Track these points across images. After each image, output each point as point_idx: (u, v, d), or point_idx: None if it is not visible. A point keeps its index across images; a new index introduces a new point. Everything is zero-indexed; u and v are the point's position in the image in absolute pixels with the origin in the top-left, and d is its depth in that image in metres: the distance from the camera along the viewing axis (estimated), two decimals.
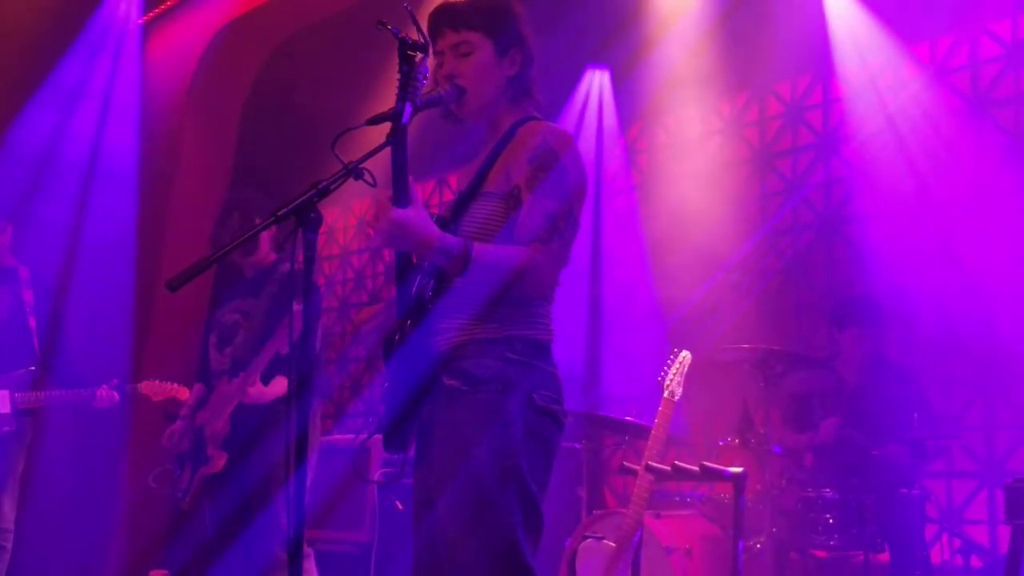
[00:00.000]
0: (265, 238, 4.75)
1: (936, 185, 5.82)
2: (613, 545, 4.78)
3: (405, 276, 2.76)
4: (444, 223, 2.76)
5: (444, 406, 2.70)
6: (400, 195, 2.59)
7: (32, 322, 5.29)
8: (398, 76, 2.57)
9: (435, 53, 2.86)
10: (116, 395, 5.14)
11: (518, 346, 2.69)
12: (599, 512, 5.32)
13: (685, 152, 7.09)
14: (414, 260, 2.81)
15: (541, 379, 2.72)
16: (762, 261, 6.54)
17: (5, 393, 5.16)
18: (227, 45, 7.79)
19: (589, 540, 4.91)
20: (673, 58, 6.75)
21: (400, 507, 5.90)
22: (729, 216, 6.58)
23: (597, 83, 7.36)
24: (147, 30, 8.10)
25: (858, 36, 6.11)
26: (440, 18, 2.87)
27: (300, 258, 2.50)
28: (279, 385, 4.60)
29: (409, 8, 2.56)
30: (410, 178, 2.60)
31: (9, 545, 5.23)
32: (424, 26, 2.73)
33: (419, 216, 2.58)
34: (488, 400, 2.64)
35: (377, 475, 5.09)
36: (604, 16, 6.88)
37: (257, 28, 7.76)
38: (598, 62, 7.30)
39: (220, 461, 4.64)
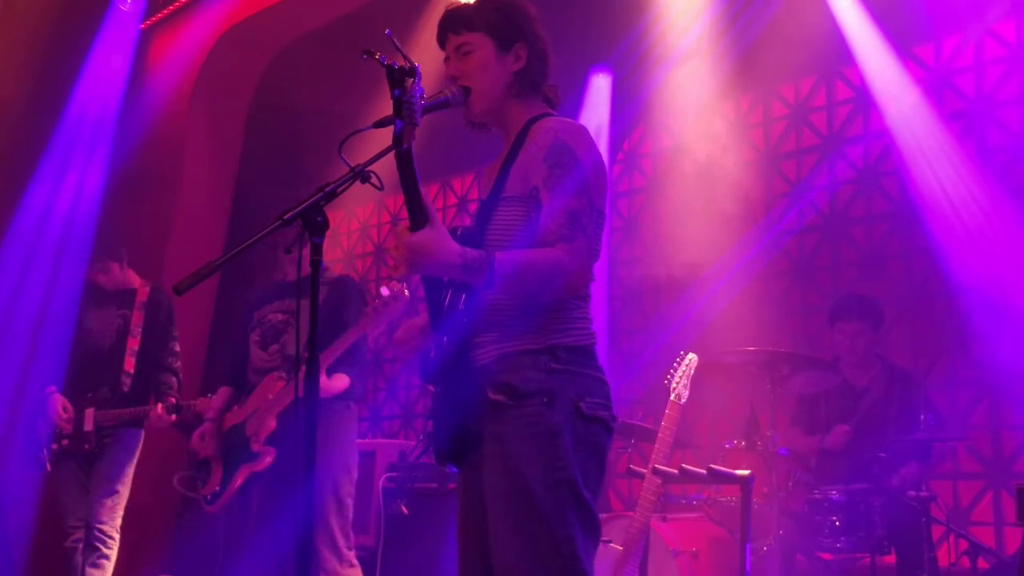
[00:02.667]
0: None
1: (940, 186, 5.82)
2: (620, 548, 4.77)
3: (434, 287, 2.73)
4: (470, 233, 2.74)
5: (491, 421, 2.67)
6: (416, 216, 2.55)
7: (132, 343, 5.47)
8: (392, 101, 2.52)
9: (444, 59, 2.88)
10: (173, 417, 5.23)
11: (561, 355, 2.66)
12: (605, 515, 5.30)
13: (689, 155, 7.08)
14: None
15: (587, 386, 2.68)
16: (767, 263, 6.53)
17: (90, 411, 5.38)
18: (231, 49, 7.79)
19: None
20: (676, 61, 6.74)
21: (406, 512, 5.89)
22: (734, 218, 6.58)
23: (600, 87, 7.36)
24: (151, 35, 8.11)
25: (862, 38, 6.10)
26: (443, 24, 2.89)
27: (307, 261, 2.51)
28: (341, 381, 4.66)
29: (391, 36, 2.52)
30: (423, 196, 2.56)
31: (107, 551, 5.39)
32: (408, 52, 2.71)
33: (437, 235, 2.54)
34: (535, 413, 2.62)
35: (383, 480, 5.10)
36: (608, 20, 6.87)
37: (260, 32, 7.76)
38: (601, 65, 7.29)
39: (268, 457, 4.67)
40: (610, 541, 4.83)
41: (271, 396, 4.69)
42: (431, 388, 2.84)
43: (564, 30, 6.58)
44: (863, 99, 6.40)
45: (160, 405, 5.25)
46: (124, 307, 5.60)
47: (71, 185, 7.52)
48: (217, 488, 4.76)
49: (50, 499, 5.72)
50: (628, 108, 7.26)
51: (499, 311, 2.67)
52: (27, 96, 7.35)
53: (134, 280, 5.71)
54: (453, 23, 2.87)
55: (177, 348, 5.68)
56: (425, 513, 5.83)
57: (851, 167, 6.50)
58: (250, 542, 4.69)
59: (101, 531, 5.38)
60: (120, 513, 5.47)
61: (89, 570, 5.33)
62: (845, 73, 6.57)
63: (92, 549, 5.36)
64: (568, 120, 2.83)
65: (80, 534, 5.40)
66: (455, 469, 2.82)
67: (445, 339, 2.70)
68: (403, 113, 2.47)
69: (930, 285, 5.94)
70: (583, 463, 2.63)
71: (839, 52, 6.21)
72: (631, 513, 4.88)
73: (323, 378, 4.54)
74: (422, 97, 2.52)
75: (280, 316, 4.84)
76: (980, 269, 5.56)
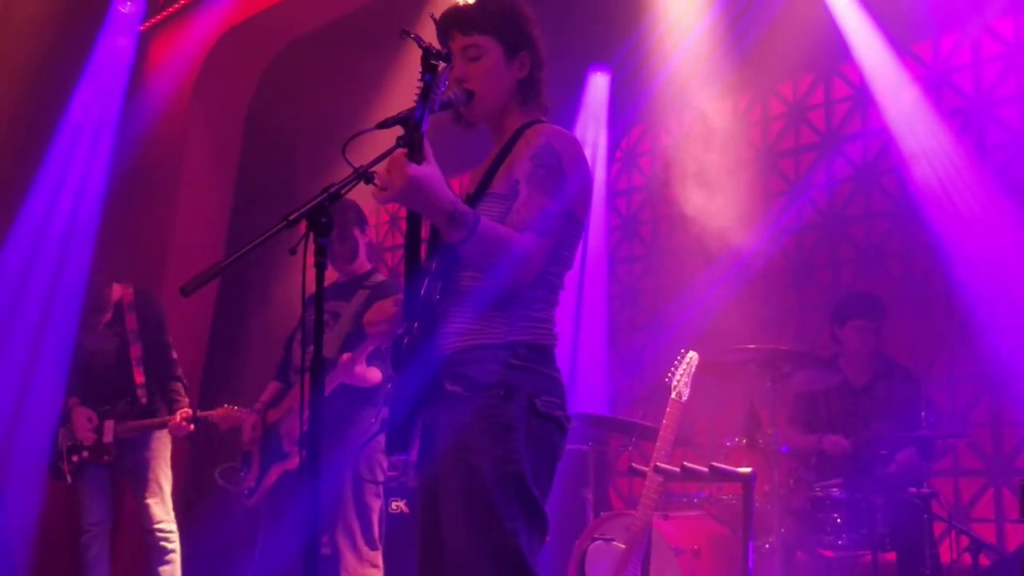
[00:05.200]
0: (363, 247, 4.89)
1: (939, 183, 5.83)
2: (623, 547, 4.78)
3: (413, 277, 2.75)
4: None
5: (446, 411, 2.70)
6: (415, 151, 2.50)
7: (135, 351, 5.60)
8: (419, 83, 2.54)
9: None
10: (191, 427, 5.41)
11: (521, 352, 2.69)
12: (607, 513, 5.32)
13: (688, 153, 7.09)
14: (422, 254, 2.81)
15: (544, 384, 2.72)
16: (767, 261, 6.54)
17: (110, 423, 5.54)
18: (230, 50, 7.79)
19: (599, 542, 4.92)
20: (675, 59, 6.75)
21: (407, 510, 5.89)
22: (733, 217, 6.58)
23: (599, 85, 7.37)
24: (150, 36, 8.12)
25: (861, 35, 6.11)
26: (450, 21, 2.87)
27: (311, 262, 2.51)
28: (374, 374, 4.66)
29: (434, 17, 2.55)
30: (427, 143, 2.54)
31: (171, 546, 5.58)
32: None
33: (437, 175, 2.51)
34: (490, 406, 2.65)
35: (380, 476, 5.06)
36: (606, 18, 6.88)
37: (260, 33, 7.76)
38: (600, 64, 7.30)
39: (297, 458, 4.65)
40: (612, 539, 4.85)
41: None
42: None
43: (563, 29, 6.59)
44: (862, 97, 6.41)
45: (180, 414, 5.40)
46: (117, 324, 5.68)
47: (72, 187, 7.53)
48: (254, 483, 4.79)
49: (67, 502, 5.90)
50: (626, 107, 7.26)
51: (468, 305, 2.70)
52: (27, 98, 7.35)
53: (116, 292, 5.76)
54: (462, 23, 2.86)
55: (174, 355, 5.79)
56: None
57: (850, 165, 6.51)
58: (267, 539, 4.71)
59: (160, 531, 5.57)
60: (170, 506, 5.64)
61: (160, 568, 5.52)
62: (843, 71, 6.57)
63: (157, 551, 5.55)
64: (563, 130, 2.85)
65: (89, 537, 5.55)
66: (404, 457, 2.81)
67: (416, 325, 2.71)
68: (428, 97, 2.49)
69: (929, 282, 5.95)
70: (534, 460, 2.66)
71: (837, 50, 6.22)
72: (633, 512, 4.89)
73: (360, 366, 4.57)
74: (445, 84, 2.55)
75: (323, 316, 4.84)
76: (980, 266, 5.56)
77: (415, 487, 5.93)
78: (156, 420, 5.51)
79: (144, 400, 5.56)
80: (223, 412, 5.29)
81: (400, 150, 2.52)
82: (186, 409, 5.46)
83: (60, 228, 7.44)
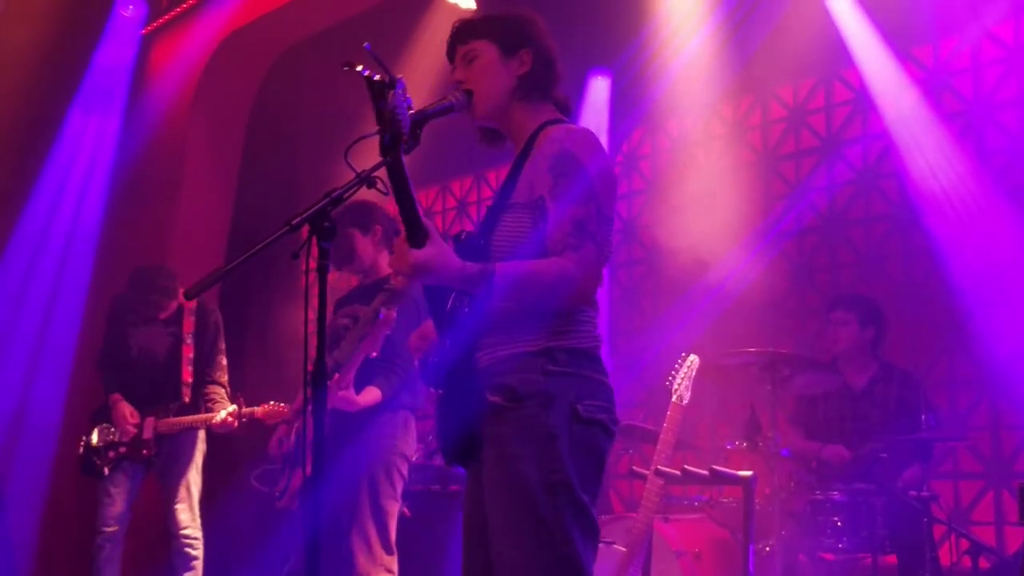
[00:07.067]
0: (363, 248, 4.86)
1: (939, 187, 5.84)
2: (623, 550, 4.79)
3: (437, 295, 2.75)
4: (474, 237, 2.75)
5: (490, 423, 2.68)
6: (414, 232, 2.53)
7: (187, 351, 5.70)
8: (374, 114, 2.46)
9: (452, 71, 2.94)
10: (236, 423, 5.46)
11: (560, 357, 2.66)
12: (608, 516, 5.33)
13: (688, 157, 7.10)
14: None
15: (586, 388, 2.68)
16: (767, 265, 6.55)
17: (150, 420, 5.61)
18: (232, 54, 7.81)
19: (599, 545, 4.92)
20: (675, 63, 6.76)
21: (408, 514, 5.90)
22: (733, 220, 6.59)
23: (600, 88, 7.38)
24: (152, 40, 8.14)
25: (861, 39, 6.13)
26: (450, 38, 2.95)
27: (313, 266, 2.53)
28: (370, 394, 4.58)
29: (369, 48, 2.46)
30: (421, 213, 2.55)
31: (195, 553, 5.63)
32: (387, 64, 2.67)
33: (438, 252, 2.54)
34: (532, 415, 2.62)
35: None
36: (607, 22, 6.89)
37: (261, 37, 7.78)
38: (601, 68, 7.31)
39: None
40: (613, 542, 4.85)
41: None
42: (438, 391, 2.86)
43: (564, 32, 6.58)
44: (862, 101, 6.42)
45: (228, 412, 5.44)
46: (173, 326, 5.77)
47: (74, 190, 7.56)
48: (284, 484, 4.81)
49: (82, 501, 5.98)
50: (627, 110, 7.27)
51: (500, 315, 2.68)
52: (29, 101, 7.37)
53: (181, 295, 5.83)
54: (459, 34, 2.93)
55: (224, 362, 5.87)
56: (428, 515, 5.84)
57: (850, 168, 6.52)
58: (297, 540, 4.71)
59: (185, 537, 5.62)
60: (197, 513, 5.69)
61: (183, 575, 5.57)
62: (844, 75, 6.59)
63: (181, 556, 5.60)
64: (575, 127, 2.83)
65: (103, 539, 5.58)
66: (462, 470, 2.83)
67: (448, 342, 2.71)
68: (390, 123, 2.44)
69: (929, 286, 5.96)
70: (580, 466, 2.63)
71: (838, 54, 6.23)
72: (633, 514, 4.90)
73: (351, 393, 4.51)
74: (410, 107, 2.48)
75: (344, 321, 4.83)
76: (979, 270, 5.58)
77: (418, 491, 5.96)
78: (199, 417, 5.56)
79: (187, 399, 5.64)
80: (267, 409, 5.32)
81: (401, 237, 2.56)
82: (233, 407, 5.49)
83: (62, 230, 7.46)
